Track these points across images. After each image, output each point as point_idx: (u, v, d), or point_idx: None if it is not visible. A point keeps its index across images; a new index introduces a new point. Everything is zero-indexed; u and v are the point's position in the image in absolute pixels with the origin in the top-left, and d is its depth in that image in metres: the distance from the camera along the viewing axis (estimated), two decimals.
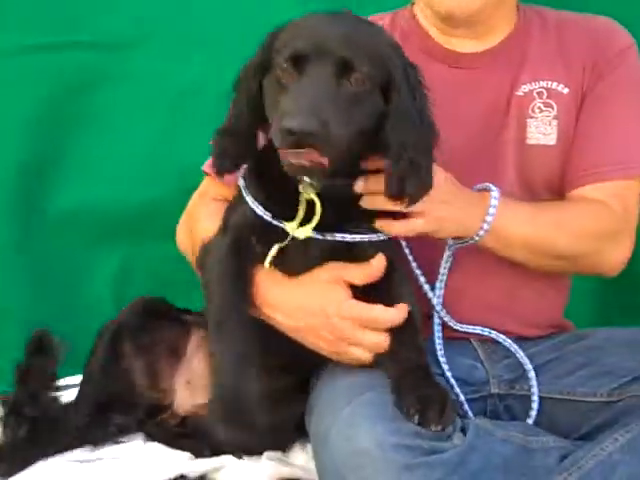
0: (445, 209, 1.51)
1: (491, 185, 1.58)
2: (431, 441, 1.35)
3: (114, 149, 2.10)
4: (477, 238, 1.56)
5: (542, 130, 1.69)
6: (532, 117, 1.69)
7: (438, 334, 1.64)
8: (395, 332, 1.47)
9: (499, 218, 1.56)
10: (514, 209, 1.59)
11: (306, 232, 1.45)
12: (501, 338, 1.66)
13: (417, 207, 1.45)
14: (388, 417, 1.36)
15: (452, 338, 1.68)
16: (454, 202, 1.53)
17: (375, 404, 1.38)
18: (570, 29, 1.74)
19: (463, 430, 1.41)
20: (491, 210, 1.55)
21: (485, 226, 1.55)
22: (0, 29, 2.06)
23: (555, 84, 1.70)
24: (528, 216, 1.61)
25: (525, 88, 1.70)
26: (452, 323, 1.65)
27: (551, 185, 1.70)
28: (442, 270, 1.64)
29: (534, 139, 1.69)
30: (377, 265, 1.50)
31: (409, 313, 1.49)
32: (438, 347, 1.63)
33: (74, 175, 2.11)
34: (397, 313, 1.48)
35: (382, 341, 1.47)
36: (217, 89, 1.97)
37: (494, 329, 1.68)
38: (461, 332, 1.67)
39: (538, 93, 1.70)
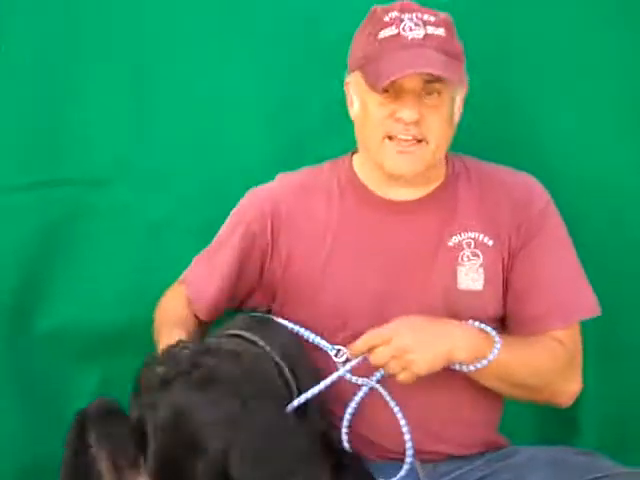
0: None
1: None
2: None
3: (95, 274, 2.26)
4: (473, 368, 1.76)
5: (471, 277, 1.85)
6: (461, 265, 1.86)
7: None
8: None
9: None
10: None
11: None
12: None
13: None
14: None
15: (394, 459, 1.82)
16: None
17: None
18: (490, 187, 1.90)
19: None
20: (495, 350, 1.75)
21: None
22: None
23: (481, 236, 1.86)
24: (504, 345, 1.78)
25: (455, 239, 1.86)
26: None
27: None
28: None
29: (464, 284, 1.85)
30: None
31: None
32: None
33: (57, 298, 2.27)
34: None
35: None
36: (188, 220, 2.25)
37: (428, 450, 1.84)
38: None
39: (467, 243, 1.86)
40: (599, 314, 1.92)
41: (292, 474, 1.51)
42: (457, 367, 1.78)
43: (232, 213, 2.00)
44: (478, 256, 1.86)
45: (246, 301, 1.99)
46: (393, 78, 1.73)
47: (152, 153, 2.26)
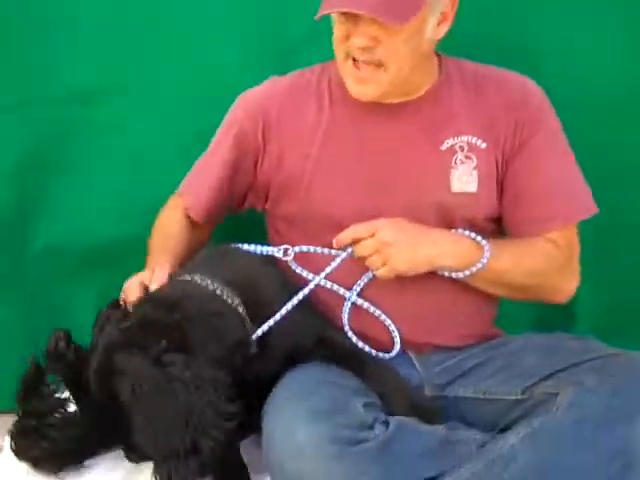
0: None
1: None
2: (355, 431, 1.57)
3: (88, 191, 2.28)
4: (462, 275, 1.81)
5: (464, 180, 1.86)
6: (454, 168, 1.86)
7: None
8: None
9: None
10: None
11: None
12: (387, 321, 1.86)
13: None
14: (321, 417, 1.58)
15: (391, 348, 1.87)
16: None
17: (311, 407, 1.60)
18: (485, 87, 1.89)
19: (387, 424, 1.61)
20: (484, 259, 1.79)
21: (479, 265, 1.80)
22: None
23: (475, 139, 1.87)
24: (494, 252, 1.82)
25: (448, 143, 1.87)
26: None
27: (472, 224, 1.88)
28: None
29: (457, 187, 1.86)
30: None
31: None
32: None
33: (53, 215, 2.29)
34: None
35: None
36: (179, 135, 2.24)
37: (422, 342, 1.89)
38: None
39: (460, 147, 1.87)
40: (596, 212, 1.93)
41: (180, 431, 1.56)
42: (446, 274, 1.83)
43: (225, 117, 2.02)
44: (472, 159, 1.87)
45: (242, 203, 2.03)
46: (323, 13, 1.75)
47: (141, 69, 2.25)
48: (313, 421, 1.57)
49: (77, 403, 1.72)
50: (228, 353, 1.66)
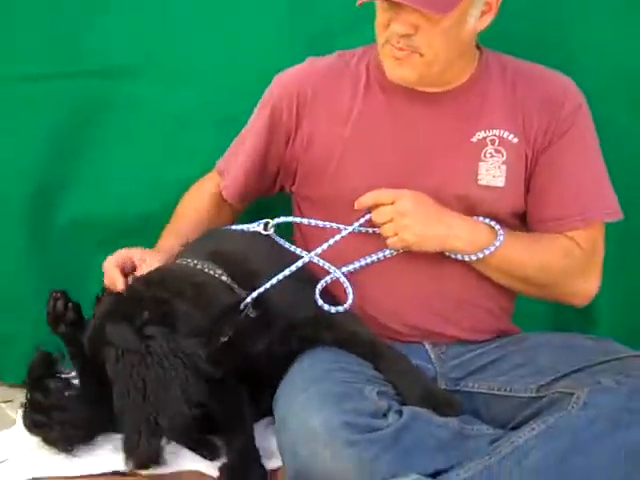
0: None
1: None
2: (368, 418, 1.57)
3: (116, 166, 2.30)
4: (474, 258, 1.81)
5: (492, 173, 1.86)
6: (483, 161, 1.86)
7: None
8: None
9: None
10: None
11: None
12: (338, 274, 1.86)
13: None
14: (335, 401, 1.59)
15: (408, 342, 1.89)
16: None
17: (324, 392, 1.61)
18: (525, 83, 1.89)
19: (400, 413, 1.61)
20: (496, 243, 1.79)
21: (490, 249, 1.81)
22: (10, 59, 2.24)
23: (507, 133, 1.87)
24: (508, 240, 1.82)
25: (479, 135, 1.87)
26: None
27: (496, 219, 1.87)
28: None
29: (485, 180, 1.87)
30: None
31: None
32: None
33: (80, 189, 2.31)
34: None
35: None
36: (210, 114, 2.25)
37: (437, 332, 1.88)
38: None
39: (490, 140, 1.87)
40: (620, 218, 1.92)
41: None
42: (459, 257, 1.83)
43: (262, 97, 2.02)
44: (501, 153, 1.86)
45: (273, 185, 2.04)
46: (365, 0, 1.76)
47: (175, 46, 2.26)
48: (327, 406, 1.58)
49: (79, 369, 1.78)
50: (216, 321, 1.71)
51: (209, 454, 1.77)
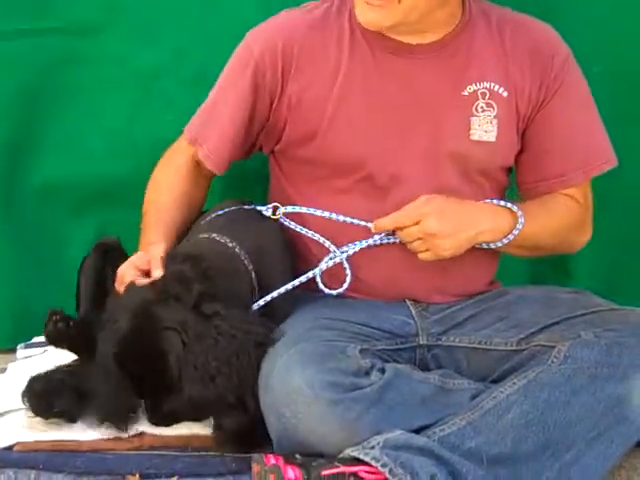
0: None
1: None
2: (351, 377, 1.58)
3: (88, 126, 2.25)
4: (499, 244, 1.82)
5: (484, 128, 1.83)
6: (475, 116, 1.83)
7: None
8: None
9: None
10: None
11: None
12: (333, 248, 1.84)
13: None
14: (317, 361, 1.59)
15: (390, 299, 1.88)
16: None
17: (307, 352, 1.61)
18: (511, 34, 1.85)
19: (383, 371, 1.62)
20: (519, 226, 1.79)
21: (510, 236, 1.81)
22: None
23: (497, 87, 1.83)
24: (527, 219, 1.81)
25: (470, 88, 1.82)
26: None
27: (486, 173, 1.88)
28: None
29: (477, 135, 1.83)
30: None
31: None
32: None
33: (51, 151, 2.26)
34: None
35: None
36: (182, 70, 2.21)
37: (423, 299, 1.89)
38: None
39: (481, 94, 1.83)
40: (616, 165, 1.93)
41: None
42: (484, 246, 1.84)
43: (235, 55, 1.92)
44: (492, 107, 1.84)
45: (252, 148, 1.96)
46: None
47: (143, 1, 2.21)
48: (309, 366, 1.57)
49: (88, 369, 1.71)
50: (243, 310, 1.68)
51: None
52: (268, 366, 1.63)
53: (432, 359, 1.85)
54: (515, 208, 1.82)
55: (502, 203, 1.83)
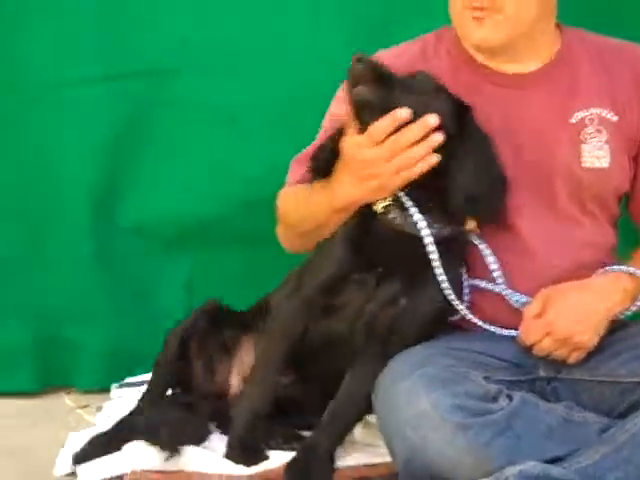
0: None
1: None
2: (479, 401, 1.52)
3: (178, 167, 2.27)
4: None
5: (595, 154, 1.78)
6: (585, 143, 1.78)
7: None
8: None
9: None
10: None
11: None
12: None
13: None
14: (442, 384, 1.54)
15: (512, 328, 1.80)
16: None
17: (431, 375, 1.56)
18: (611, 57, 1.82)
19: (510, 398, 1.56)
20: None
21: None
22: (67, 63, 2.23)
23: (605, 112, 1.79)
24: None
25: (578, 116, 1.78)
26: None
27: (600, 201, 1.82)
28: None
29: (589, 162, 1.78)
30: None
31: None
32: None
33: (144, 192, 2.28)
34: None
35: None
36: (268, 106, 2.21)
37: None
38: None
39: (590, 120, 1.78)
40: None
41: None
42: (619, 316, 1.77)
43: (335, 98, 1.86)
44: (602, 133, 1.79)
45: None
46: None
47: (219, 40, 2.23)
48: (435, 389, 1.54)
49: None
50: None
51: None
52: (390, 391, 1.59)
53: (551, 392, 1.77)
54: (627, 269, 1.75)
55: (624, 268, 1.76)
